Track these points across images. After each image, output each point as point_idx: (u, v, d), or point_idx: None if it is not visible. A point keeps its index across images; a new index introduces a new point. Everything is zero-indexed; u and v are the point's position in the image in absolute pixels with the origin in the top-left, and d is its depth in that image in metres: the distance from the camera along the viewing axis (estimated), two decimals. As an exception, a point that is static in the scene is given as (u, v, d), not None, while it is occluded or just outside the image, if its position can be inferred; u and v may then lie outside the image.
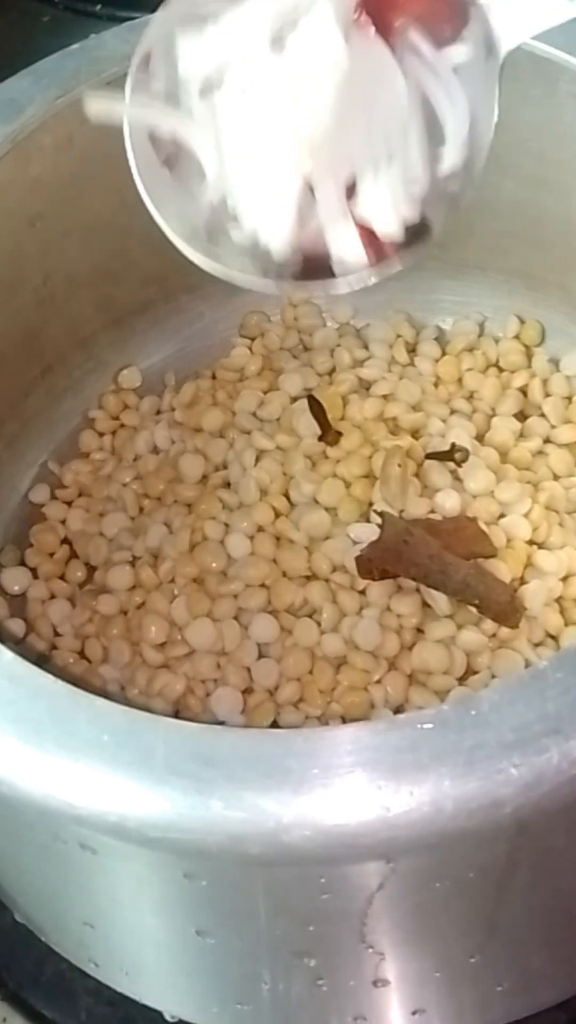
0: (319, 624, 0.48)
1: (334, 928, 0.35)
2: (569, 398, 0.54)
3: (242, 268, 0.38)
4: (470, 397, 0.55)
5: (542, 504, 0.50)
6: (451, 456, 0.51)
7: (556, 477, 0.52)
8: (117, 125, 0.39)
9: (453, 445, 0.52)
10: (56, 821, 0.33)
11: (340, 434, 0.53)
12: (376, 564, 0.47)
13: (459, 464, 0.51)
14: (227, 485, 0.53)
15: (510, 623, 0.47)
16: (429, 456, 0.52)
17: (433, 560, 0.46)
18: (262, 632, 0.48)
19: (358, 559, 0.47)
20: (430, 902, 0.34)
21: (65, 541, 0.53)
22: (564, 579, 0.49)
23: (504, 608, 0.47)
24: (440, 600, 0.47)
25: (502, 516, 0.50)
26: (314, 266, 0.38)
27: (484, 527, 0.49)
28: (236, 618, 0.49)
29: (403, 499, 0.50)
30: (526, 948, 0.39)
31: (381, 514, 0.47)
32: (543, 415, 0.54)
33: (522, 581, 0.49)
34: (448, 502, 0.50)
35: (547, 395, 0.54)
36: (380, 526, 0.46)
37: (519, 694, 0.31)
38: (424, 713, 0.31)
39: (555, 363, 0.55)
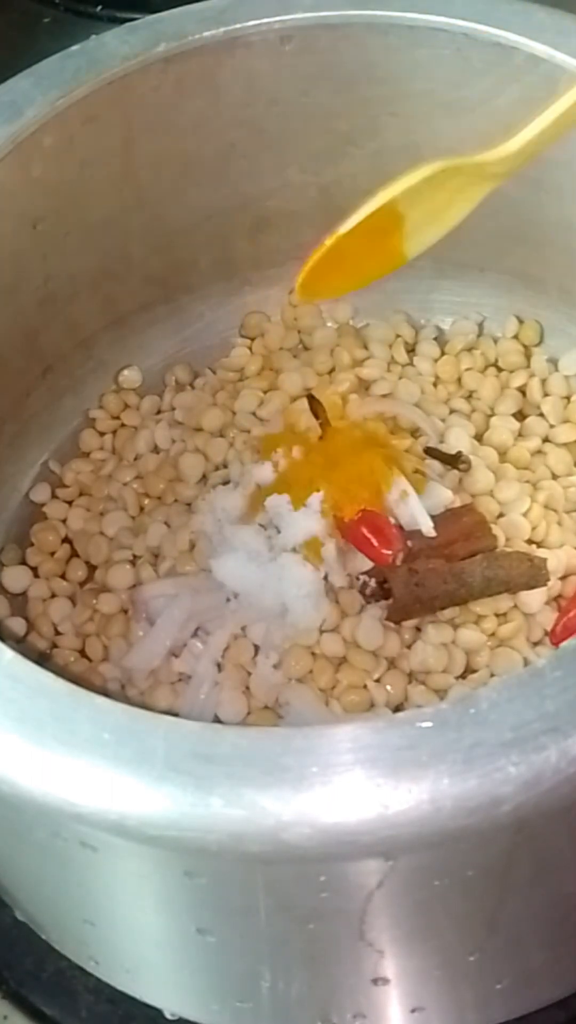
0: (320, 623, 0.48)
1: (334, 926, 0.35)
2: (568, 398, 0.54)
3: None
4: (469, 397, 0.55)
5: (541, 503, 0.51)
6: (455, 463, 0.52)
7: (555, 476, 0.52)
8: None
9: (459, 453, 0.52)
10: (56, 819, 0.33)
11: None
12: (404, 617, 0.48)
13: (463, 471, 0.51)
14: (227, 484, 0.53)
15: (541, 583, 0.48)
16: (428, 453, 0.52)
17: (448, 581, 0.47)
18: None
19: (388, 616, 0.48)
20: (429, 900, 0.34)
21: (66, 540, 0.53)
22: (563, 578, 0.49)
23: (529, 576, 0.48)
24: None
25: (501, 515, 0.51)
26: None
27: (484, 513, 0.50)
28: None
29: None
30: (525, 946, 0.39)
31: (383, 578, 0.47)
32: (542, 415, 0.54)
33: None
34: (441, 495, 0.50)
35: (546, 395, 0.54)
36: (388, 587, 0.47)
37: (518, 693, 0.31)
38: (423, 711, 0.31)
39: (554, 363, 0.55)
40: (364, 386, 0.56)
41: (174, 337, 0.58)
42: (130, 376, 0.57)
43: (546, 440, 0.53)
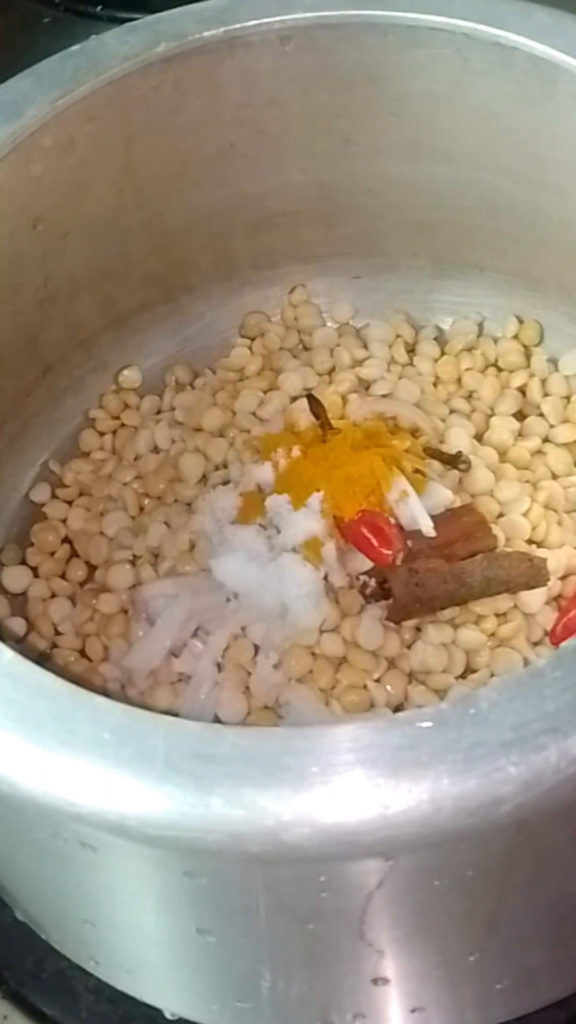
0: (320, 623, 0.48)
1: (334, 926, 0.35)
2: (568, 398, 0.54)
3: None
4: (469, 397, 0.55)
5: (541, 503, 0.51)
6: (455, 463, 0.52)
7: (555, 476, 0.52)
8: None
9: (459, 453, 0.52)
10: (56, 819, 0.33)
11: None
12: (404, 617, 0.48)
13: (463, 471, 0.51)
14: (227, 484, 0.53)
15: (541, 583, 0.48)
16: (428, 453, 0.52)
17: (448, 581, 0.47)
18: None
19: (388, 616, 0.48)
20: (429, 900, 0.34)
21: (66, 540, 0.53)
22: (563, 578, 0.49)
23: (529, 576, 0.47)
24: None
25: (501, 515, 0.51)
26: None
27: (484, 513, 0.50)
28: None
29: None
30: (525, 946, 0.39)
31: (383, 578, 0.47)
32: (542, 415, 0.54)
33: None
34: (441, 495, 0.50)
35: (546, 395, 0.54)
36: (388, 587, 0.47)
37: (518, 693, 0.31)
38: (423, 711, 0.31)
39: (554, 363, 0.55)
40: (364, 386, 0.56)
41: (174, 337, 0.58)
42: (130, 376, 0.57)
43: (546, 440, 0.53)
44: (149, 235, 0.54)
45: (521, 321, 0.56)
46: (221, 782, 0.30)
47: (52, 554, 0.52)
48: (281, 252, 0.57)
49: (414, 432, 0.53)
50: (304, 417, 0.54)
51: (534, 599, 0.48)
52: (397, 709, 0.47)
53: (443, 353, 0.57)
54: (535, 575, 0.48)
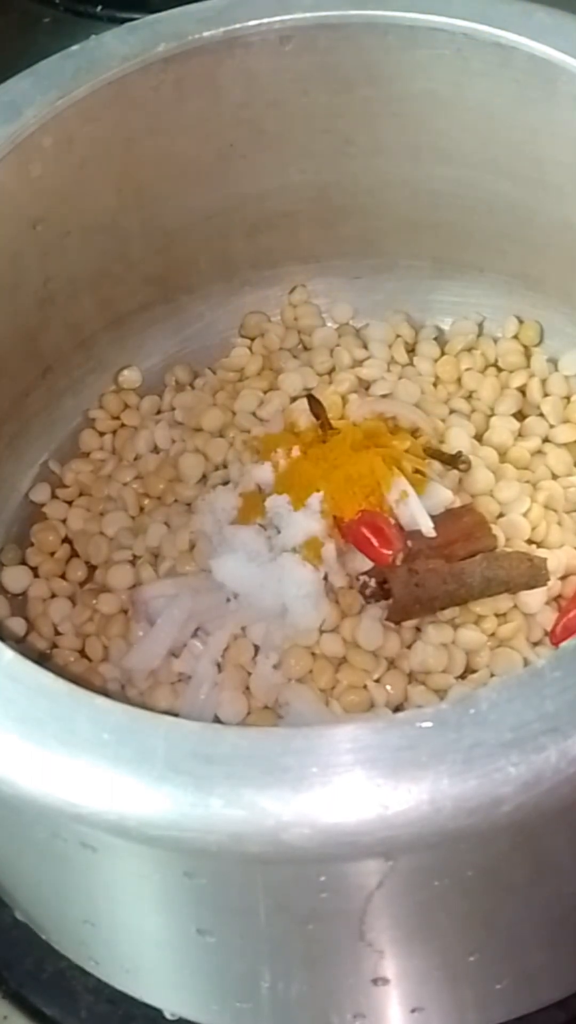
0: (320, 623, 0.48)
1: (333, 926, 0.35)
2: (568, 398, 0.54)
3: None
4: (469, 397, 0.55)
5: (541, 503, 0.51)
6: (455, 463, 0.52)
7: (555, 476, 0.52)
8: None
9: (459, 453, 0.52)
10: (56, 819, 0.33)
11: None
12: (404, 618, 0.48)
13: (463, 471, 0.51)
14: (227, 484, 0.53)
15: (541, 583, 0.48)
16: (428, 453, 0.52)
17: (448, 582, 0.47)
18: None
19: (388, 616, 0.48)
20: (429, 900, 0.34)
21: (66, 540, 0.53)
22: (563, 578, 0.49)
23: (529, 576, 0.48)
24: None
25: (501, 515, 0.51)
26: None
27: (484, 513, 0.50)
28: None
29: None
30: (525, 947, 0.39)
31: (383, 578, 0.47)
32: (542, 415, 0.54)
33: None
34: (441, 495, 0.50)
35: (546, 395, 0.54)
36: (388, 587, 0.47)
37: (518, 693, 0.31)
38: (423, 712, 0.31)
39: (554, 363, 0.55)
40: (364, 386, 0.56)
41: (174, 337, 0.58)
42: (130, 376, 0.57)
43: (546, 440, 0.53)
44: (148, 235, 0.54)
45: (521, 321, 0.56)
46: (221, 782, 0.30)
47: (52, 554, 0.52)
48: (281, 252, 0.57)
49: (414, 432, 0.53)
50: (304, 417, 0.54)
51: (534, 599, 0.48)
52: (397, 709, 0.47)
53: (443, 353, 0.57)
54: (535, 575, 0.48)
